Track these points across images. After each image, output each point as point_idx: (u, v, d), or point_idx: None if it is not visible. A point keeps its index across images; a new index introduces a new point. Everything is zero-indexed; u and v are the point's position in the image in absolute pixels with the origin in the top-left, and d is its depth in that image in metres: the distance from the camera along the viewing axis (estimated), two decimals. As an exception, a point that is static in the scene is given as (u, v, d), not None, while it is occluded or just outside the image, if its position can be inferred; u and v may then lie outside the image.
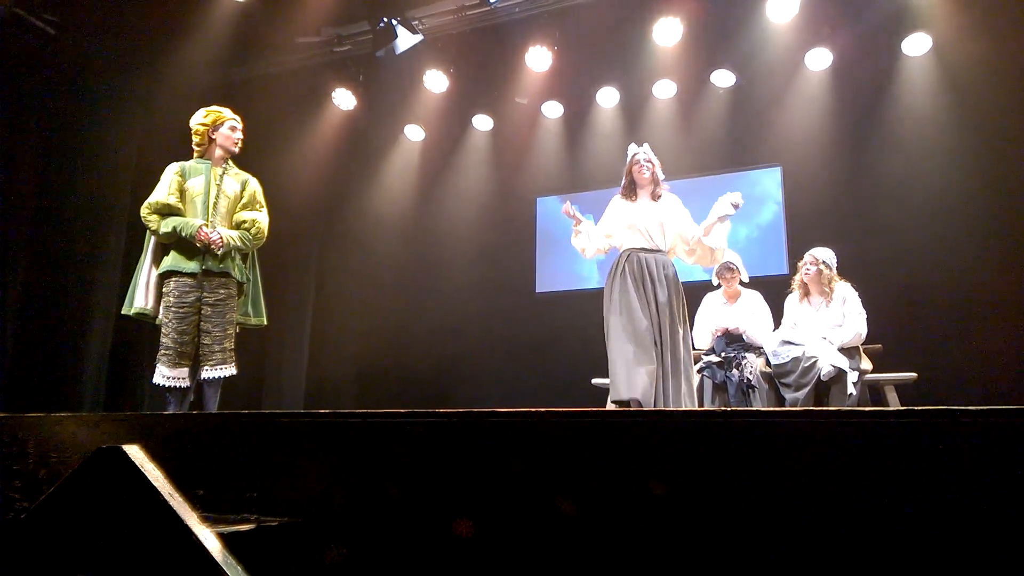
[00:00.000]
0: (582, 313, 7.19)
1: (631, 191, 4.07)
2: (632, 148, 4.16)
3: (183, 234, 3.61)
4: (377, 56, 6.29)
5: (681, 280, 3.93)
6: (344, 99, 7.02)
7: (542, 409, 1.43)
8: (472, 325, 7.57)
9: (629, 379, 3.59)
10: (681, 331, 3.81)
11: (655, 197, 4.03)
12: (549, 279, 7.75)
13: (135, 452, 1.08)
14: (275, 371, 7.49)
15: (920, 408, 1.23)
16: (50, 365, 5.63)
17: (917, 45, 5.93)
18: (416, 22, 6.25)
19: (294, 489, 1.40)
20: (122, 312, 3.78)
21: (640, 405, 3.53)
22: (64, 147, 5.92)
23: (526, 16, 6.17)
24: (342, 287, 7.99)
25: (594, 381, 5.01)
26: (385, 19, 6.09)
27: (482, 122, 7.67)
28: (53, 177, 5.86)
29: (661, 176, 4.08)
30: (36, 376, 5.51)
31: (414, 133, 7.79)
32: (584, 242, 4.14)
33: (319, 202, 7.84)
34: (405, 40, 6.17)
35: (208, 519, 1.08)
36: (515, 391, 7.13)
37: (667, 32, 5.91)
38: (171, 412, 3.58)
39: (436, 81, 6.80)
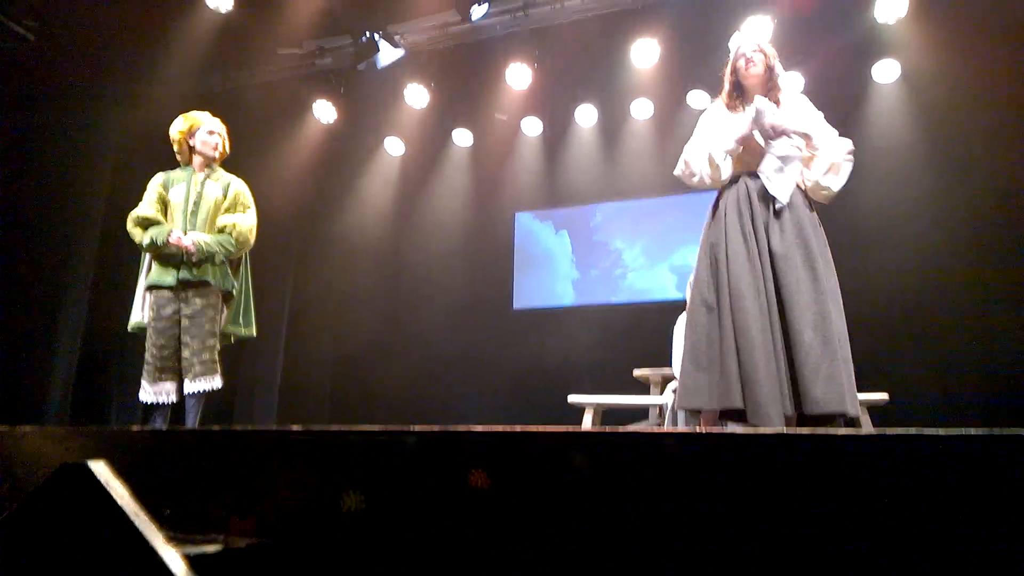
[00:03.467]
0: (559, 330, 7.24)
1: (737, 98, 2.99)
2: (735, 39, 3.04)
3: (158, 242, 3.57)
4: (358, 69, 6.30)
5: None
6: (325, 111, 7.00)
7: (519, 428, 1.43)
8: (449, 340, 7.54)
9: (681, 384, 2.74)
10: (811, 296, 2.57)
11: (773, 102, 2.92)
12: (527, 296, 7.76)
13: (100, 468, 1.06)
14: (247, 384, 7.39)
15: (892, 431, 1.25)
16: (16, 377, 5.50)
17: (887, 71, 6.06)
18: (398, 37, 6.27)
19: (264, 509, 1.38)
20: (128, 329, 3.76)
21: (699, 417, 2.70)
22: (37, 156, 5.83)
23: (507, 34, 6.22)
24: (318, 299, 7.93)
25: (571, 399, 5.00)
26: (367, 33, 6.11)
27: (462, 137, 7.69)
28: (24, 187, 5.76)
29: (782, 73, 2.93)
30: (1, 389, 5.39)
31: (394, 146, 7.79)
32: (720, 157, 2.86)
33: (297, 213, 7.79)
34: (387, 54, 6.18)
35: (174, 539, 1.06)
36: (491, 407, 7.10)
37: (644, 53, 5.99)
38: (155, 428, 3.52)
39: (417, 95, 6.82)
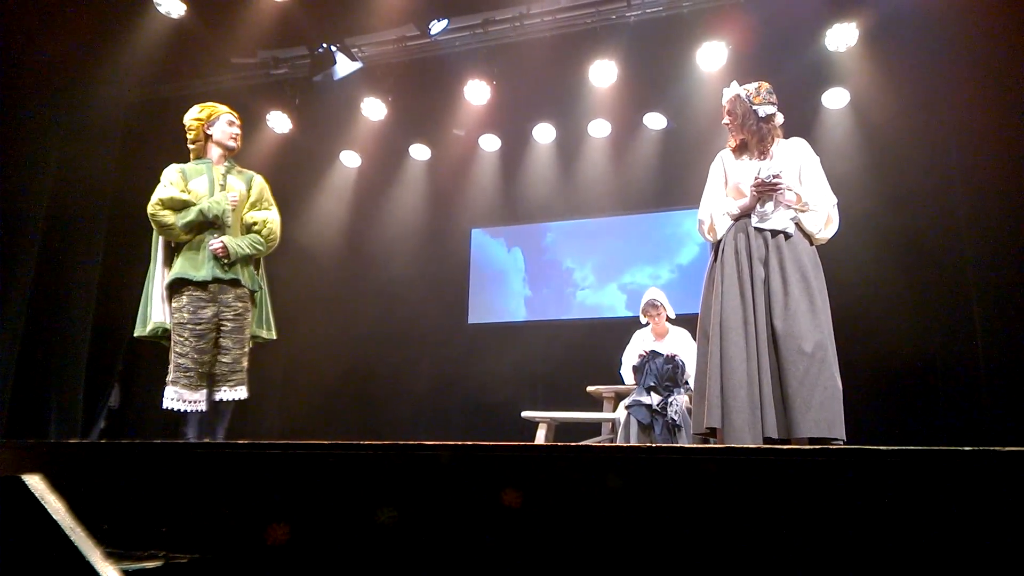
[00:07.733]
0: (513, 346, 7.24)
1: (740, 147, 3.21)
2: (727, 92, 3.28)
3: (211, 214, 3.33)
4: (314, 81, 6.24)
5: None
6: (279, 122, 6.92)
7: (470, 443, 1.42)
8: (403, 353, 7.49)
9: (707, 407, 2.80)
10: (810, 327, 2.73)
11: (762, 153, 3.12)
12: (482, 311, 7.77)
13: (35, 482, 1.02)
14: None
15: (832, 447, 1.29)
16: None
17: (836, 98, 6.27)
18: (356, 49, 6.24)
19: (208, 524, 1.34)
20: (135, 335, 3.45)
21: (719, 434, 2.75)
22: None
23: (466, 50, 6.24)
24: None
25: (524, 414, 5.01)
26: (324, 45, 6.07)
27: (419, 151, 7.69)
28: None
29: (766, 117, 3.06)
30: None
31: (350, 159, 7.73)
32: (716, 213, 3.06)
33: (248, 225, 7.65)
34: (344, 66, 6.14)
35: (113, 555, 1.02)
36: (445, 422, 7.06)
37: (602, 74, 6.08)
38: (191, 440, 3.31)
39: (374, 109, 6.79)
